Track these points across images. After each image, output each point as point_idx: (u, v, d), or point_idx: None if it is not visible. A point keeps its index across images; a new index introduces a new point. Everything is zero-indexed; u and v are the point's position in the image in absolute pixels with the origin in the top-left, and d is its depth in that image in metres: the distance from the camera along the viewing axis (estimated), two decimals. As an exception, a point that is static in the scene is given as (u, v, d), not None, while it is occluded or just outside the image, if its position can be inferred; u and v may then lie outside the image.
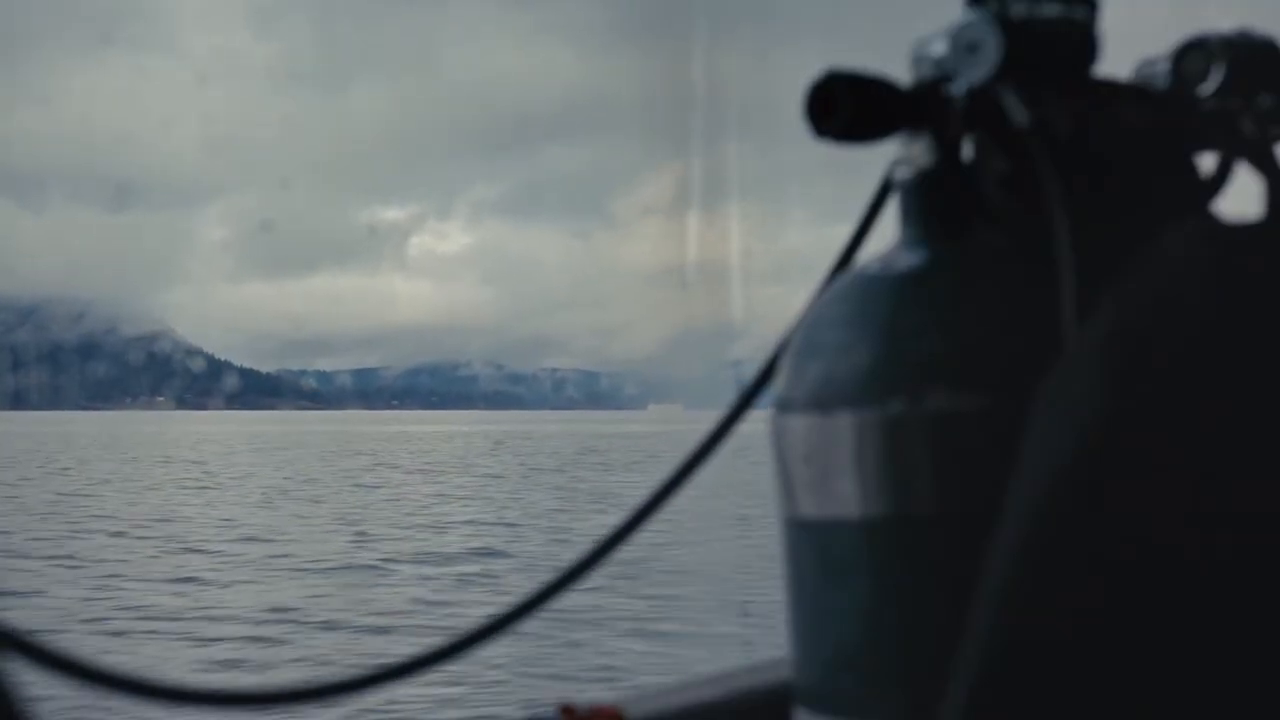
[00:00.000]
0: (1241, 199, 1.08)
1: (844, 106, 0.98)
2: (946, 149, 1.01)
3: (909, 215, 1.04)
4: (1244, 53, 1.08)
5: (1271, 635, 0.76)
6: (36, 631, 0.94)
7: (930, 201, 1.03)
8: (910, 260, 1.02)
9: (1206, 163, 1.08)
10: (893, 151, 1.04)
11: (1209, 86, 1.09)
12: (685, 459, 1.21)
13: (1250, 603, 0.76)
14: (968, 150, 1.02)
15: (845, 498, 0.97)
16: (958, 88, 1.00)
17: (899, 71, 1.03)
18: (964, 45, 1.00)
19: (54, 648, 0.94)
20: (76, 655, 0.97)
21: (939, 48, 1.01)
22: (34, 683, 0.88)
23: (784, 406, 1.03)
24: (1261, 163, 1.08)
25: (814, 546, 1.01)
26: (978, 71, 0.99)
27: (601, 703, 1.26)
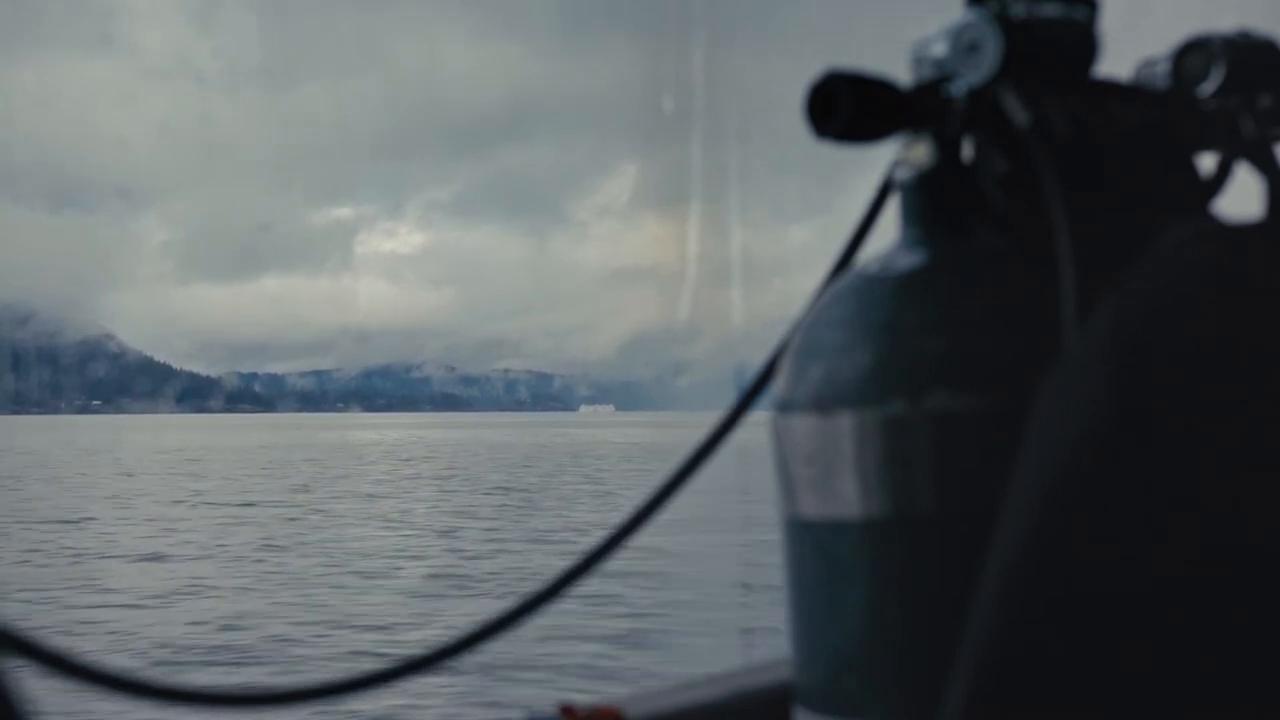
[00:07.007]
0: (1241, 199, 1.08)
1: (844, 106, 0.98)
2: (946, 149, 1.01)
3: (909, 215, 1.04)
4: (1244, 53, 1.09)
5: (1272, 636, 0.76)
6: (37, 631, 0.94)
7: (930, 201, 1.03)
8: (910, 260, 1.02)
9: (1206, 163, 1.08)
10: (893, 151, 1.04)
11: (1209, 86, 1.09)
12: (685, 460, 1.21)
13: (1251, 602, 0.76)
14: (968, 150, 1.02)
15: (846, 498, 0.97)
16: (958, 88, 1.00)
17: (899, 71, 1.03)
18: (964, 45, 1.00)
19: (54, 648, 0.94)
20: (76, 655, 0.97)
21: (939, 48, 1.01)
22: (34, 683, 0.88)
23: (785, 407, 1.03)
24: (1261, 163, 1.08)
25: (815, 547, 1.01)
26: (978, 71, 0.99)
27: (601, 703, 1.26)
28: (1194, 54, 1.09)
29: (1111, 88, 1.07)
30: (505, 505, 28.11)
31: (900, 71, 1.03)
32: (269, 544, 21.27)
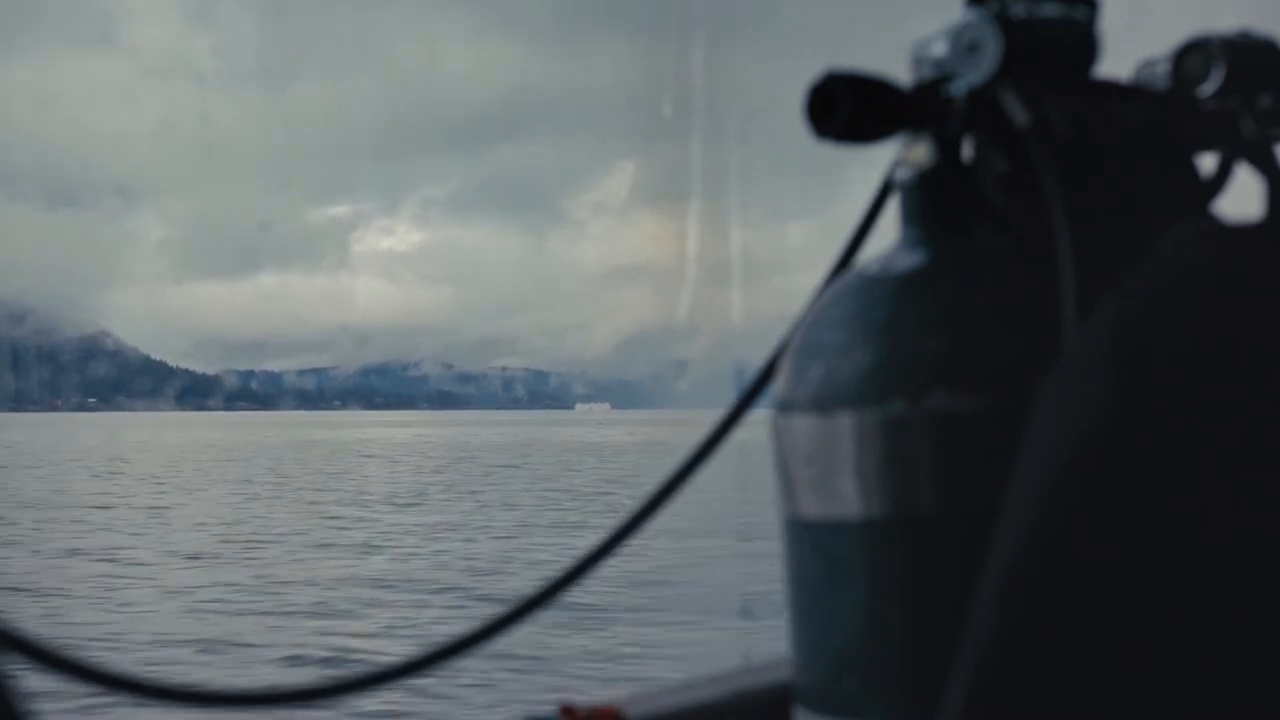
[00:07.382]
0: (1242, 199, 1.08)
1: (844, 106, 0.98)
2: (946, 149, 1.01)
3: (909, 215, 1.04)
4: (1244, 53, 1.09)
5: (1272, 636, 0.76)
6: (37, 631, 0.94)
7: (930, 202, 1.03)
8: (910, 260, 1.02)
9: (1206, 163, 1.08)
10: (893, 151, 1.04)
11: (1209, 86, 1.09)
12: (683, 461, 1.21)
13: (1251, 602, 0.76)
14: (968, 150, 1.02)
15: (846, 498, 0.97)
16: (958, 88, 1.00)
17: (899, 71, 1.03)
18: (964, 45, 1.00)
19: (54, 648, 0.94)
20: (76, 655, 0.97)
21: (939, 48, 1.01)
22: (34, 683, 0.88)
23: (785, 407, 1.03)
24: (1261, 163, 1.08)
25: (815, 546, 1.01)
26: (978, 71, 0.99)
27: (601, 703, 1.26)
28: (1194, 54, 1.09)
29: (1111, 88, 1.07)
30: (380, 508, 27.35)
31: (900, 71, 1.03)
32: (73, 551, 20.09)
